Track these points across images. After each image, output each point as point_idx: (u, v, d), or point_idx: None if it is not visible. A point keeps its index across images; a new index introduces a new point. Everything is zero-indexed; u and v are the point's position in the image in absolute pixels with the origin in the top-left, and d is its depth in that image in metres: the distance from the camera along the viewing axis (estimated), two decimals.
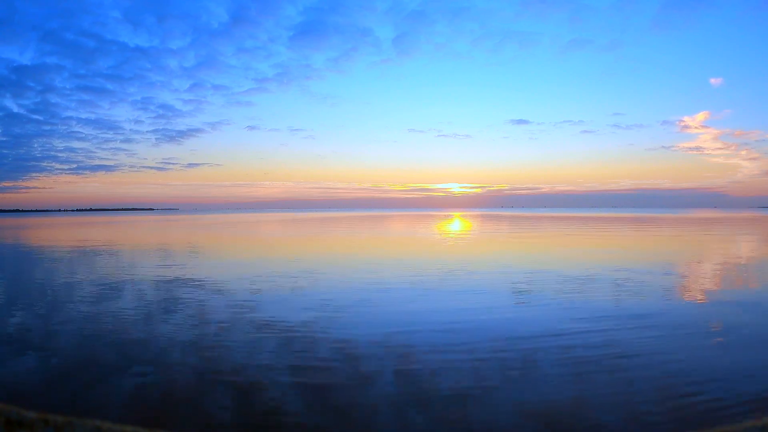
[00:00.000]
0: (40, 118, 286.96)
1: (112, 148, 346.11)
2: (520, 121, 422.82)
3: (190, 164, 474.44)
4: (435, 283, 11.73)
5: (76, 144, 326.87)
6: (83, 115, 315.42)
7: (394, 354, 6.14)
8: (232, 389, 4.98)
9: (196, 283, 11.93)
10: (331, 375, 5.40)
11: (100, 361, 5.91)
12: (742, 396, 4.73)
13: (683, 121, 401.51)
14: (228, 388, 5.02)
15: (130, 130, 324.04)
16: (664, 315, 8.19)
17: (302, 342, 6.68)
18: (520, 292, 10.40)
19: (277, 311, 8.62)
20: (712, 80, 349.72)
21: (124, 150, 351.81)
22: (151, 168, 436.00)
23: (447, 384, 5.12)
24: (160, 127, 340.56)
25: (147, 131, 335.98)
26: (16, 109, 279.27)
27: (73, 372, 5.51)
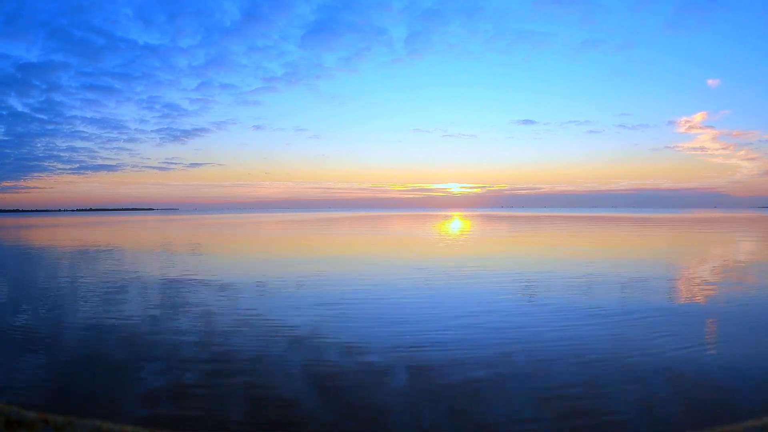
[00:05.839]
0: (44, 117, 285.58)
1: (115, 148, 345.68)
2: (527, 122, 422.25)
3: (192, 164, 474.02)
4: (439, 282, 11.70)
5: (79, 143, 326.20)
6: (88, 114, 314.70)
7: (403, 352, 6.11)
8: (243, 389, 4.94)
9: (202, 283, 11.90)
10: (343, 373, 5.37)
11: (109, 362, 5.88)
12: (745, 394, 4.70)
13: (686, 121, 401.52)
14: (238, 387, 4.98)
15: (135, 129, 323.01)
16: (669, 313, 8.17)
17: (312, 341, 6.65)
18: (526, 289, 10.37)
19: (284, 311, 8.59)
20: (710, 81, 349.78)
21: (127, 150, 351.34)
22: (153, 168, 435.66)
23: (457, 381, 5.08)
24: (165, 127, 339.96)
25: (151, 131, 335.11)
26: (20, 108, 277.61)
27: (81, 374, 5.47)
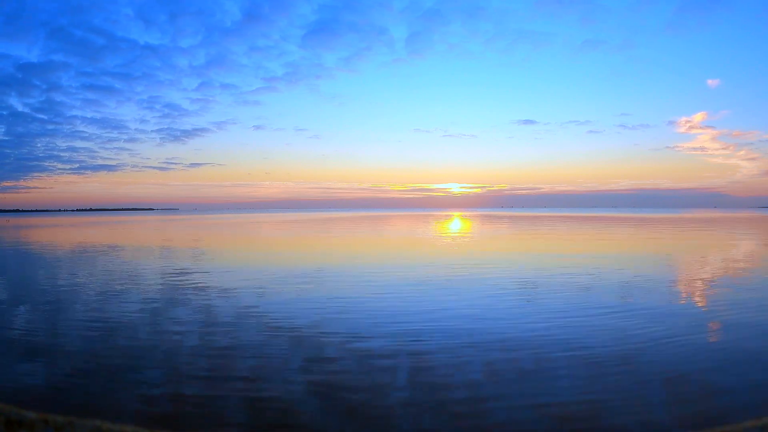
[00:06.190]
0: (44, 117, 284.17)
1: (115, 148, 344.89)
2: (527, 122, 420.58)
3: (192, 164, 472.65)
4: (440, 282, 11.70)
5: (79, 143, 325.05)
6: (88, 114, 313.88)
7: (404, 352, 6.11)
8: (243, 389, 4.94)
9: (202, 282, 11.90)
10: (343, 377, 5.35)
11: (109, 362, 5.88)
12: (746, 394, 4.70)
13: (686, 121, 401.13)
14: (238, 387, 4.98)
15: (135, 129, 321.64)
16: (670, 313, 8.17)
17: (312, 343, 6.63)
18: (526, 289, 10.37)
19: (285, 310, 8.59)
20: (710, 81, 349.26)
21: (128, 150, 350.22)
22: (153, 168, 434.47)
23: (460, 383, 5.09)
24: (165, 127, 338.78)
25: (152, 131, 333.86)
26: (20, 108, 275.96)
27: (80, 374, 5.47)
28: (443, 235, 32.51)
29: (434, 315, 8.21)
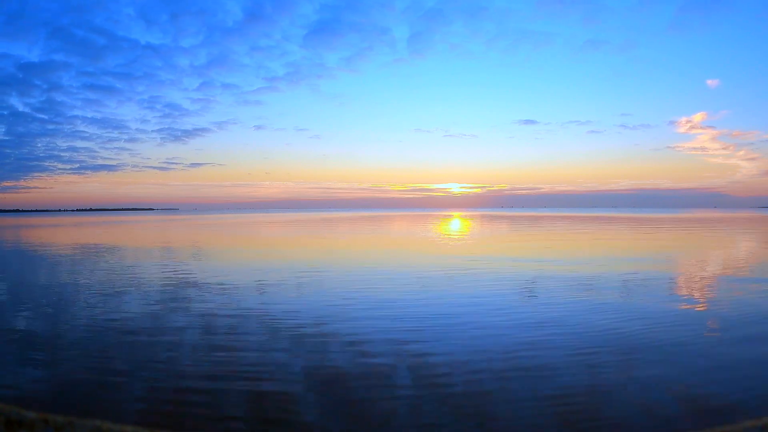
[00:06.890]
0: (45, 117, 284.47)
1: (115, 148, 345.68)
2: (528, 122, 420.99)
3: (192, 164, 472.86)
4: (440, 281, 11.70)
5: (79, 143, 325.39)
6: (89, 114, 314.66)
7: (404, 352, 6.11)
8: (243, 389, 4.94)
9: (202, 283, 11.90)
10: (345, 376, 5.35)
11: (109, 362, 5.88)
12: (746, 394, 4.70)
13: (686, 121, 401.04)
14: (239, 387, 4.98)
15: (136, 129, 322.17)
16: (671, 313, 8.17)
17: (313, 343, 6.63)
18: (526, 289, 10.37)
19: (285, 310, 8.59)
20: (709, 81, 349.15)
21: (128, 150, 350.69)
22: (154, 168, 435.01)
23: (461, 383, 5.09)
24: (166, 127, 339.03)
25: (152, 131, 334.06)
26: (21, 108, 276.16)
27: (81, 374, 5.47)
28: (443, 235, 32.51)
29: (434, 312, 8.21)
